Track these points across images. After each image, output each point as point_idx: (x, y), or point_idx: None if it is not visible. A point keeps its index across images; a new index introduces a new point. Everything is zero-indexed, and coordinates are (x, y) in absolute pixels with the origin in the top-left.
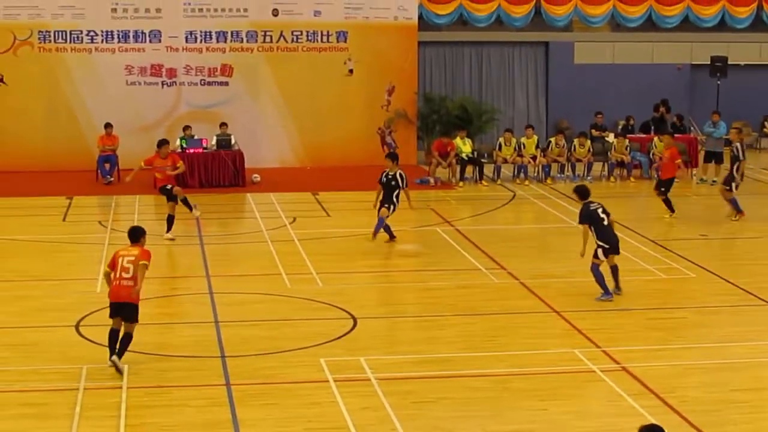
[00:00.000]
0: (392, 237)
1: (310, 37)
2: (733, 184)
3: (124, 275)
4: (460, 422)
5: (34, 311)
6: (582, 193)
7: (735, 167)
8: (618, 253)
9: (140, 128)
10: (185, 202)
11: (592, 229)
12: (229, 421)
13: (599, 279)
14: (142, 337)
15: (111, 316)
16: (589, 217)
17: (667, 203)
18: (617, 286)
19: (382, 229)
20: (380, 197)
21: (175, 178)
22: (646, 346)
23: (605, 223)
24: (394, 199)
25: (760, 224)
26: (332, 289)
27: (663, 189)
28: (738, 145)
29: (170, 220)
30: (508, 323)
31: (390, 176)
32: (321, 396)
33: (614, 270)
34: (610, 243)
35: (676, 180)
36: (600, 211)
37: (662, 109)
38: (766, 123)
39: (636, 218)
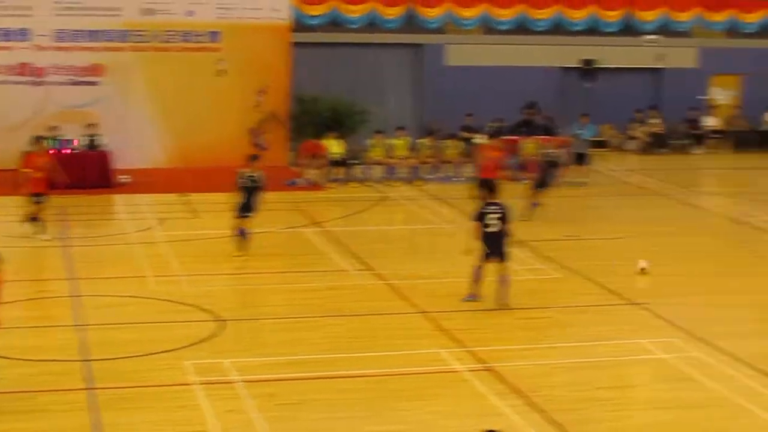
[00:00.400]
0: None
1: (182, 37)
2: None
3: None
4: (328, 424)
5: None
6: (486, 189)
7: (554, 172)
8: (500, 260)
9: (6, 128)
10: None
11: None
12: (93, 426)
13: (473, 279)
14: (6, 340)
15: None
16: (478, 217)
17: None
18: (502, 298)
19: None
20: (241, 200)
21: (47, 181)
22: (512, 346)
23: (490, 228)
24: (255, 203)
25: (624, 225)
26: (199, 291)
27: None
28: (562, 151)
29: (37, 220)
30: (376, 324)
31: (249, 177)
32: (187, 399)
33: (500, 281)
34: (490, 248)
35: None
36: (493, 215)
37: (530, 111)
38: (631, 126)
39: None
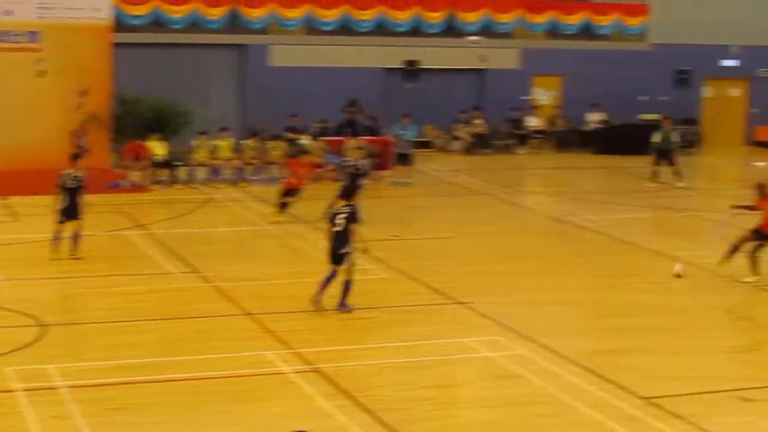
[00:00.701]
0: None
1: (1, 38)
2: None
3: None
4: (157, 428)
5: None
6: (345, 192)
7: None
8: (335, 264)
9: None
10: None
11: None
12: None
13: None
14: None
15: None
16: (331, 218)
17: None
18: (340, 300)
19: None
20: (64, 203)
21: None
22: (339, 347)
23: (334, 228)
24: (79, 205)
25: (449, 225)
26: (21, 296)
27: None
28: (362, 162)
29: None
30: (202, 327)
31: (74, 178)
32: (9, 406)
33: (343, 284)
34: (330, 249)
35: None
36: (338, 214)
37: (351, 109)
38: (455, 126)
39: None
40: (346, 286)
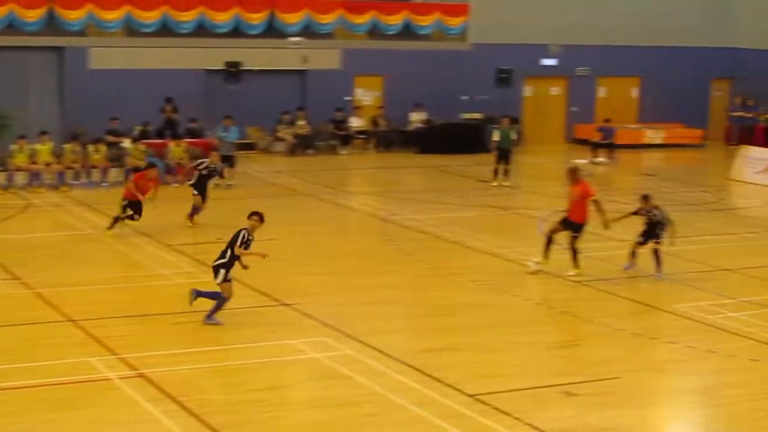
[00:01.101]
0: None
1: None
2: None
3: None
4: None
5: None
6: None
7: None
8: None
9: None
10: None
11: None
12: None
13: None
14: None
15: None
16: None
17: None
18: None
19: None
20: None
21: None
22: (165, 351)
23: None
24: None
25: (275, 226)
26: None
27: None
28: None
29: None
30: (23, 335)
31: None
32: None
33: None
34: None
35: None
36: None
37: (168, 108)
38: (278, 128)
39: (160, 224)
40: (215, 299)
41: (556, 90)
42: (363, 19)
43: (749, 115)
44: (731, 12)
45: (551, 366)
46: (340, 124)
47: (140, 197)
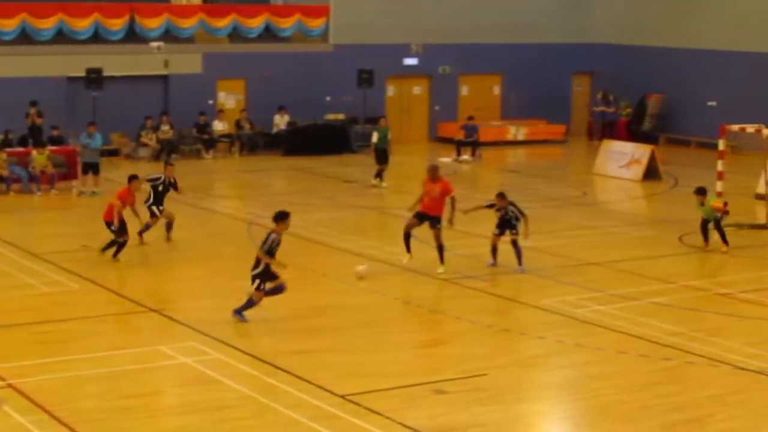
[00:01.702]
0: None
1: None
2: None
3: None
4: None
5: None
6: None
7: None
8: None
9: None
10: None
11: None
12: None
13: None
14: None
15: None
16: None
17: None
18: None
19: None
20: None
21: None
22: (33, 361)
23: None
24: None
25: (147, 233)
26: None
27: None
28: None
29: None
30: None
31: None
32: None
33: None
34: None
35: None
36: None
37: (32, 111)
38: (142, 133)
39: (25, 233)
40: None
41: (418, 89)
42: (224, 23)
43: (611, 109)
44: (589, 8)
45: (421, 364)
46: (204, 128)
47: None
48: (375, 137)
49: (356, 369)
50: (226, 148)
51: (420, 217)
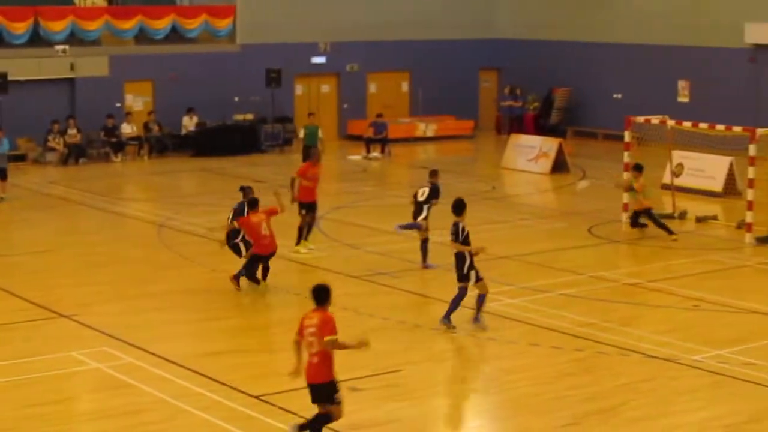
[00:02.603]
0: None
1: None
2: None
3: (311, 350)
4: None
5: None
6: None
7: None
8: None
9: None
10: None
11: None
12: None
13: None
14: None
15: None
16: None
17: None
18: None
19: None
20: None
21: None
22: None
23: None
24: None
25: (51, 237)
26: None
27: None
28: None
29: None
30: None
31: None
32: None
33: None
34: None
35: None
36: None
37: None
38: (49, 137)
39: None
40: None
41: (327, 88)
42: (130, 25)
43: (518, 104)
44: (494, 3)
45: (336, 361)
46: (112, 131)
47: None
48: (302, 134)
49: (269, 369)
50: (134, 150)
51: (301, 205)
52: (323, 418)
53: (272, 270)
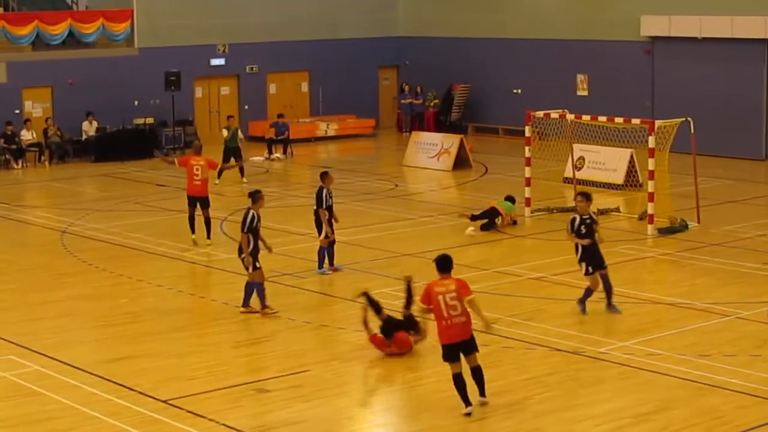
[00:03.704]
0: None
1: None
2: None
3: (453, 313)
4: None
5: None
6: None
7: None
8: None
9: None
10: None
11: None
12: None
13: None
14: None
15: (450, 359)
16: None
17: None
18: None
19: None
20: None
21: None
22: None
23: None
24: None
25: None
26: None
27: None
28: None
29: None
30: None
31: None
32: None
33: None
34: None
35: None
36: None
37: None
38: None
39: None
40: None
41: (226, 89)
42: (26, 30)
43: (418, 101)
44: (391, 2)
45: (241, 364)
46: (12, 138)
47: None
48: (226, 134)
49: (177, 372)
50: (35, 157)
51: (189, 200)
52: (480, 370)
53: (177, 274)
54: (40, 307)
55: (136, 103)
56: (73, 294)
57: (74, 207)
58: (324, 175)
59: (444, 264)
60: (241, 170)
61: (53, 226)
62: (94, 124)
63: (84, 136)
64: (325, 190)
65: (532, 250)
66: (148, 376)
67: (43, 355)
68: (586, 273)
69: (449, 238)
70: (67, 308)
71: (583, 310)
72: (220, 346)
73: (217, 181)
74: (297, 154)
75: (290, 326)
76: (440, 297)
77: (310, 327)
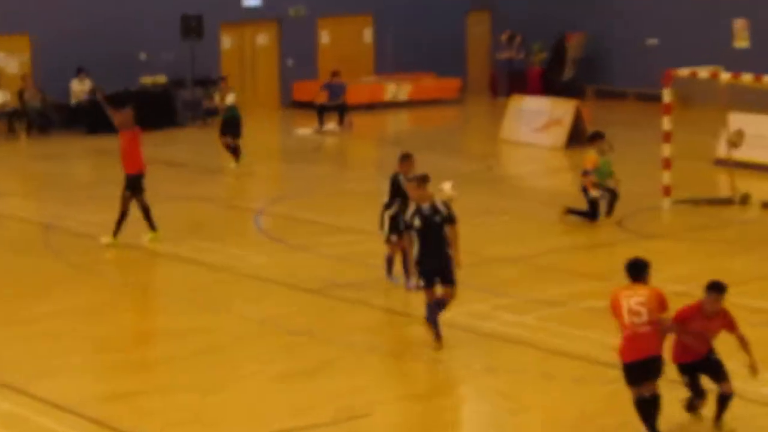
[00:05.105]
0: None
1: None
2: None
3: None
4: None
5: None
6: None
7: None
8: None
9: None
10: None
11: None
12: None
13: None
14: None
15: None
16: None
17: None
18: None
19: None
20: None
21: None
22: None
23: None
24: None
25: None
26: None
27: None
28: None
29: None
30: None
31: None
32: None
33: None
34: None
35: None
36: None
37: None
38: None
39: None
40: None
41: (263, 39)
42: None
43: (520, 56)
44: None
45: (283, 404)
46: None
47: None
48: (231, 99)
49: (195, 415)
50: (7, 127)
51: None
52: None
53: (196, 282)
54: (16, 326)
55: (142, 57)
56: (60, 308)
57: (61, 195)
58: (405, 159)
59: (637, 270)
60: (236, 151)
61: (33, 219)
62: (87, 83)
63: (73, 101)
64: (402, 179)
65: (670, 255)
66: (154, 419)
67: (16, 389)
68: None
69: (560, 237)
70: (50, 327)
71: None
72: (255, 378)
73: (233, 165)
74: (357, 125)
75: (349, 354)
76: (631, 300)
77: (377, 353)
